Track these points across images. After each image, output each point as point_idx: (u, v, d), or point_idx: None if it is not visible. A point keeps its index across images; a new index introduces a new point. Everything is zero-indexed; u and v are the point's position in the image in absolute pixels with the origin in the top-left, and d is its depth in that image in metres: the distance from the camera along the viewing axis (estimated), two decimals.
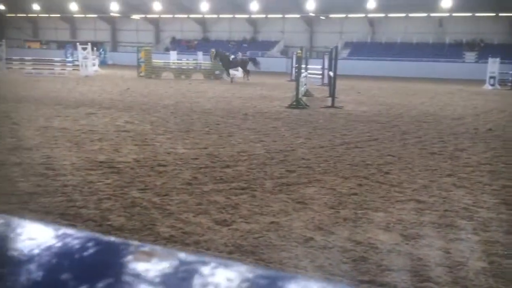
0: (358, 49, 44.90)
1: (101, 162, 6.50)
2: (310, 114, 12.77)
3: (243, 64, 26.32)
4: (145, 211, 4.52)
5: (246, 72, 26.61)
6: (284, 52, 46.58)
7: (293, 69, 24.63)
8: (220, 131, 9.45)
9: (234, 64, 26.00)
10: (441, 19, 43.26)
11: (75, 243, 0.46)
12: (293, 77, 23.45)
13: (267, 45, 47.70)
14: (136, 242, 0.51)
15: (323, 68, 24.11)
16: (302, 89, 15.39)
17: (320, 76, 24.33)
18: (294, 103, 14.11)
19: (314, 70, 24.55)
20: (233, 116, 11.87)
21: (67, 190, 5.08)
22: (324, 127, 10.52)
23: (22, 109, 11.66)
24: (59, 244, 0.46)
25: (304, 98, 15.42)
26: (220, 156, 7.15)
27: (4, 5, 49.69)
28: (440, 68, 38.86)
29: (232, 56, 26.49)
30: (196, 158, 6.92)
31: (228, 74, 25.88)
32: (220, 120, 11.10)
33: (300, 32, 47.92)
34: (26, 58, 28.39)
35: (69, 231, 0.50)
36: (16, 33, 55.37)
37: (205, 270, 0.43)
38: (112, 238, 0.49)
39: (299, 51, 15.07)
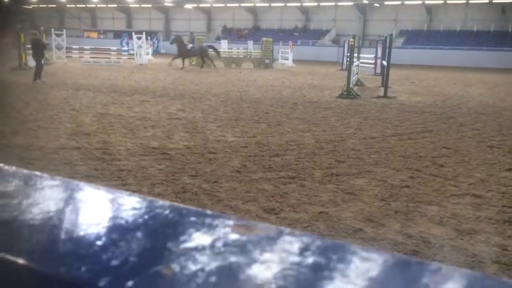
0: (414, 38, 43.28)
1: (154, 148, 6.70)
2: (361, 104, 12.51)
3: (202, 53, 25.53)
4: (196, 197, 4.62)
5: (210, 60, 25.42)
6: (336, 41, 45.74)
7: (345, 58, 24.17)
8: (269, 120, 9.47)
9: (192, 53, 25.48)
10: (504, 6, 40.79)
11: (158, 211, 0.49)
12: (344, 67, 23.03)
13: (318, 34, 47.02)
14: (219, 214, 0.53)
15: (376, 57, 23.48)
16: (353, 78, 15.09)
17: (373, 66, 23.73)
18: (345, 93, 13.86)
19: (366, 59, 23.97)
20: (282, 105, 11.85)
21: (122, 174, 5.29)
22: (375, 117, 10.28)
23: (81, 96, 12.21)
24: (146, 214, 0.49)
25: (355, 88, 15.12)
26: (269, 145, 7.17)
27: None
28: (501, 57, 36.75)
29: (190, 45, 25.75)
30: (245, 146, 6.98)
31: (183, 61, 25.18)
32: (269, 109, 11.11)
33: (353, 20, 46.84)
34: (85, 47, 29.60)
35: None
36: (75, 23, 57.86)
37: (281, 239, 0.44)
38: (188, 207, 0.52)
39: (352, 40, 14.75)
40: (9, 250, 0.40)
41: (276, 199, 4.66)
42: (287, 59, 30.78)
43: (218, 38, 45.59)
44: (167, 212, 0.48)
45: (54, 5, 55.54)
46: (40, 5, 56.37)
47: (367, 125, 9.27)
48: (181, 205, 0.51)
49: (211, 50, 26.34)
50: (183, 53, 24.78)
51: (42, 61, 16.22)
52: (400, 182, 5.29)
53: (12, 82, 15.15)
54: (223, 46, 33.94)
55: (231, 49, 32.67)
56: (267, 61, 28.07)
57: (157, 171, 5.51)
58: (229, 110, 10.79)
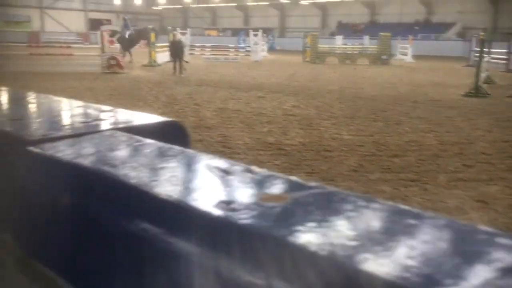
0: None
1: (270, 143, 6.85)
2: (492, 103, 11.42)
3: (144, 37, 23.03)
4: None
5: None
6: (461, 35, 42.32)
7: (472, 53, 22.28)
8: (386, 119, 9.10)
9: (135, 40, 23.29)
10: None
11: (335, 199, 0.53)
12: (471, 62, 21.22)
13: (442, 28, 43.91)
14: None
15: (509, 53, 21.26)
16: (483, 75, 13.82)
17: (505, 62, 21.50)
18: (473, 91, 12.77)
19: (497, 54, 21.80)
20: (401, 103, 11.30)
21: None
22: (508, 119, 9.30)
23: (202, 91, 12.94)
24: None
25: (484, 86, 13.83)
26: (387, 144, 6.89)
27: None
28: None
29: (128, 32, 23.56)
30: (362, 145, 6.80)
31: (128, 54, 23.01)
32: (386, 107, 10.68)
33: (481, 12, 42.87)
34: (206, 45, 31.31)
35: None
36: (197, 22, 61.48)
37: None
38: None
39: (482, 33, 13.51)
40: None
41: (396, 202, 4.45)
42: (405, 55, 29.30)
43: (332, 34, 45.02)
44: None
45: (180, 6, 59.61)
46: (167, 6, 60.95)
47: (499, 127, 8.43)
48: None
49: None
50: (125, 45, 23.13)
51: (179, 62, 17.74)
52: None
53: (144, 77, 16.61)
54: (338, 42, 33.43)
55: (346, 44, 32.05)
56: (384, 57, 27.01)
57: (274, 166, 5.62)
58: (344, 107, 10.60)
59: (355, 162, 5.88)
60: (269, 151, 6.38)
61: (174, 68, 17.73)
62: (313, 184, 0.56)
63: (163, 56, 24.12)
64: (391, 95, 12.79)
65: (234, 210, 0.46)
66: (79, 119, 0.76)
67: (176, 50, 18.11)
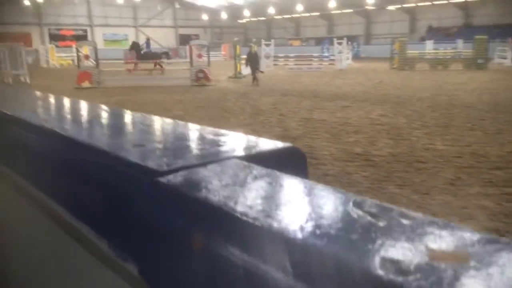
0: None
1: (357, 154, 6.64)
2: None
3: (155, 57, 25.71)
4: (404, 208, 4.37)
5: (159, 64, 24.58)
6: None
7: None
8: (485, 128, 8.43)
9: (145, 57, 25.61)
10: None
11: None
12: None
13: None
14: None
15: None
16: None
17: None
18: None
19: None
20: (503, 111, 10.41)
21: (328, 179, 5.37)
22: None
23: (287, 102, 12.97)
24: None
25: None
26: (487, 155, 6.36)
27: (273, 9, 56.30)
28: None
29: (144, 50, 26.55)
30: (459, 156, 6.34)
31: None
32: (485, 115, 9.90)
33: None
34: (289, 55, 31.50)
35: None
36: (281, 33, 62.20)
37: None
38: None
39: None
40: None
41: (499, 218, 4.08)
42: (505, 58, 27.14)
43: (422, 39, 43.06)
44: None
45: (264, 18, 60.78)
46: (252, 19, 62.46)
47: None
48: None
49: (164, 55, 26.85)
50: (138, 57, 25.81)
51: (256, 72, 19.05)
52: None
53: (230, 89, 17.08)
54: (428, 47, 31.88)
55: (437, 49, 30.48)
56: (480, 61, 25.21)
57: (362, 178, 5.43)
58: (437, 115, 10.00)
59: (451, 174, 5.49)
60: (356, 162, 6.18)
61: (254, 78, 18.72)
62: (494, 237, 0.40)
63: (247, 68, 24.79)
64: (490, 102, 11.85)
65: (404, 273, 0.35)
66: (198, 145, 0.75)
67: (253, 62, 19.35)
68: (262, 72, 20.21)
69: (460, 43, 31.28)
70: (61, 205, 0.80)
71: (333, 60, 29.29)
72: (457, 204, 4.46)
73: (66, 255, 0.84)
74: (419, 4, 45.48)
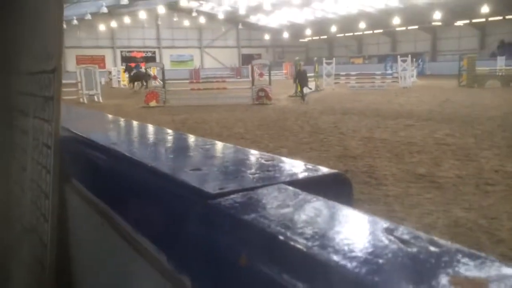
0: None
1: (420, 175, 6.42)
2: None
3: (144, 77, 26.90)
4: (471, 233, 4.17)
5: (147, 82, 24.89)
6: None
7: None
8: None
9: (136, 77, 28.79)
10: None
11: None
12: None
13: None
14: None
15: None
16: None
17: None
18: None
19: None
20: None
21: (388, 200, 5.24)
22: None
23: (347, 120, 12.82)
24: None
25: None
26: None
27: (335, 27, 56.21)
28: None
29: (134, 71, 30.03)
30: None
31: (133, 85, 29.27)
32: None
33: None
34: (351, 73, 31.18)
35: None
36: (342, 51, 61.81)
37: None
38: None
39: None
40: None
41: None
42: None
43: (493, 55, 40.99)
44: None
45: (325, 36, 60.76)
46: (313, 37, 62.63)
47: None
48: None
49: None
50: (131, 78, 30.02)
51: (304, 88, 20.27)
52: None
53: (290, 108, 17.18)
54: (500, 63, 30.28)
55: (510, 66, 28.89)
56: None
57: (425, 200, 5.25)
58: (509, 135, 9.45)
59: None
60: (419, 183, 5.98)
61: (302, 96, 19.86)
62: None
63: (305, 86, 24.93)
64: None
65: None
66: (250, 169, 0.81)
67: (302, 79, 20.39)
68: (310, 89, 21.18)
69: None
70: (125, 219, 0.89)
71: (396, 77, 28.60)
72: None
73: (127, 264, 0.92)
74: (490, 18, 43.39)
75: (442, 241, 0.48)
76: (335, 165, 7.18)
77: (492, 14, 41.12)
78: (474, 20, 45.70)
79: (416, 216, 4.68)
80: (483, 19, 44.10)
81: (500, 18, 42.83)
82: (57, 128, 1.16)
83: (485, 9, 39.13)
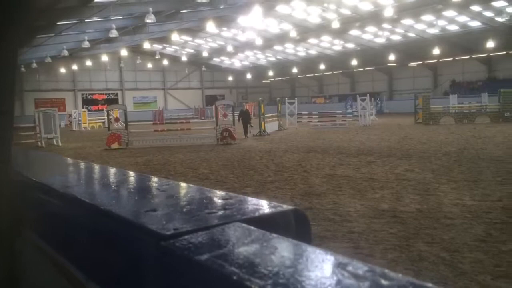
0: None
1: (383, 210, 6.52)
2: None
3: None
4: (434, 267, 4.22)
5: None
6: None
7: None
8: None
9: None
10: None
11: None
12: None
13: None
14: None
15: None
16: None
17: None
18: None
19: None
20: None
21: (353, 236, 5.27)
22: None
23: (311, 158, 13.00)
24: None
25: None
26: None
27: (296, 68, 57.84)
28: None
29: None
30: (489, 212, 6.15)
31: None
32: None
33: None
34: (313, 112, 31.91)
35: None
36: (304, 91, 63.47)
37: None
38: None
39: None
40: None
41: None
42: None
43: (446, 93, 43.12)
44: None
45: (287, 77, 62.33)
46: (276, 78, 64.11)
47: None
48: None
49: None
50: None
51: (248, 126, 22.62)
52: None
53: (254, 147, 17.28)
54: (452, 101, 31.80)
55: (462, 103, 30.39)
56: (507, 114, 24.93)
57: (389, 235, 5.31)
58: (465, 170, 9.81)
59: (482, 230, 5.31)
60: (382, 219, 6.06)
61: (245, 132, 22.57)
62: None
63: (271, 126, 25.37)
64: None
65: None
66: (206, 209, 0.80)
67: (245, 118, 22.78)
68: (252, 126, 23.27)
69: (485, 96, 31.15)
70: (80, 268, 0.86)
71: (356, 116, 29.47)
72: (490, 262, 4.28)
73: None
74: (441, 60, 45.88)
75: (393, 274, 0.49)
76: (300, 203, 7.20)
77: (442, 55, 43.51)
78: (426, 61, 48.18)
79: (381, 251, 4.71)
80: (435, 60, 46.55)
81: (450, 59, 45.36)
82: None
83: (436, 51, 41.41)
